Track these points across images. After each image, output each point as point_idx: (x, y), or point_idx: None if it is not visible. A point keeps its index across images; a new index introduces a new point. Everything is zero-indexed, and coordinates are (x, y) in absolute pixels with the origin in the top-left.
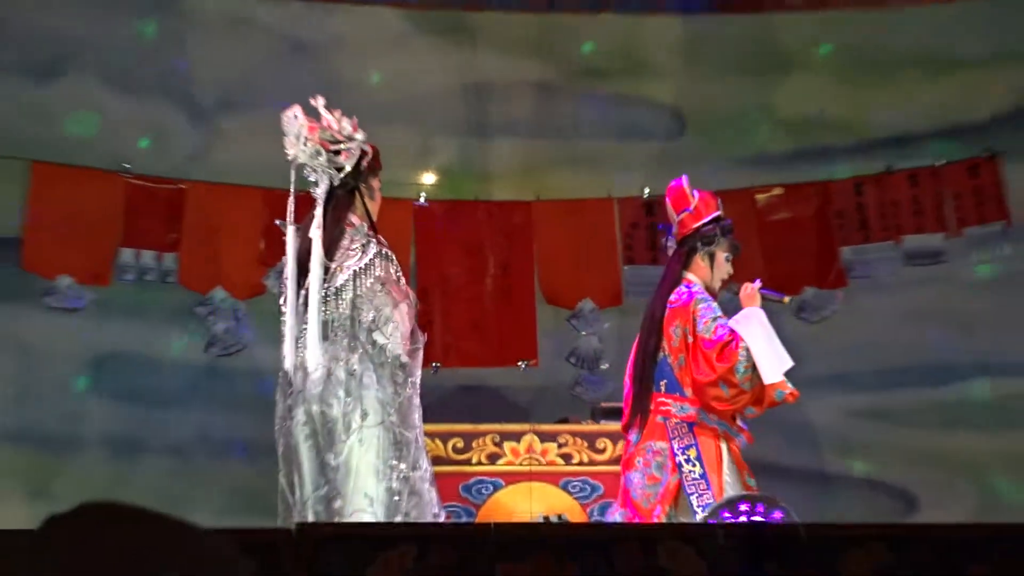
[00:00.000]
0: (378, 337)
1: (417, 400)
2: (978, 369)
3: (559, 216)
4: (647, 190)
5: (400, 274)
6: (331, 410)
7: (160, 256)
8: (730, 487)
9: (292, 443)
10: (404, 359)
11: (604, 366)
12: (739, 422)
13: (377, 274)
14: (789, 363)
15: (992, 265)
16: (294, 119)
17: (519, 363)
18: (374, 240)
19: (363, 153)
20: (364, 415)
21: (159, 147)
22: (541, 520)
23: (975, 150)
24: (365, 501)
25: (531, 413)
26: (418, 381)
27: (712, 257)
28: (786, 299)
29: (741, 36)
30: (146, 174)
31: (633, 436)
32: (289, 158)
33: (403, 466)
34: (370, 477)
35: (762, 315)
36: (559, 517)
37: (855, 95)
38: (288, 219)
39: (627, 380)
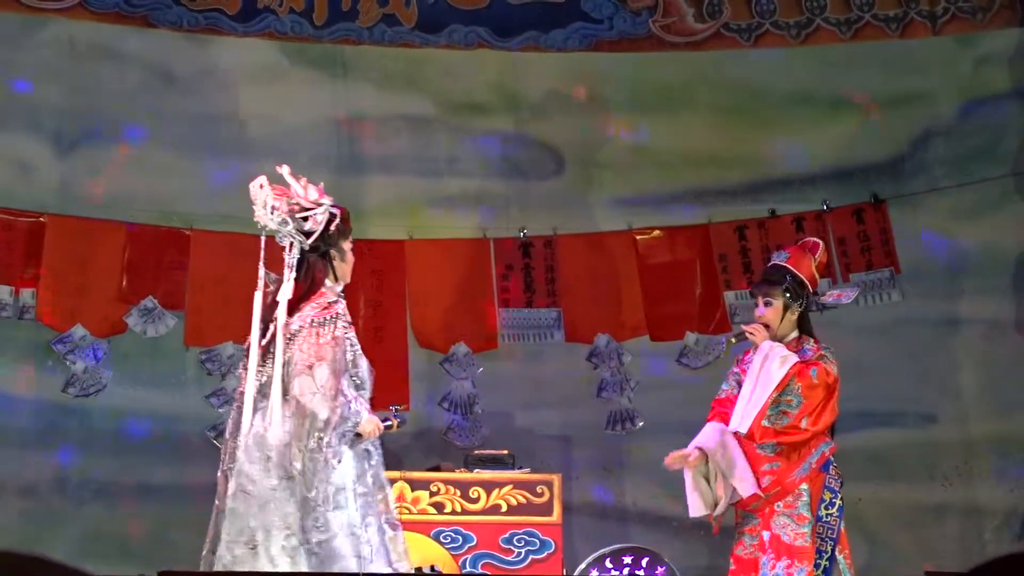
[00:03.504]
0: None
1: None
2: (862, 417)
3: (433, 255)
4: (524, 231)
5: (355, 345)
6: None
7: (17, 292)
8: None
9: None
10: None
11: (478, 411)
12: None
13: (331, 329)
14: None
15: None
16: (259, 188)
17: (390, 408)
18: (343, 302)
19: (331, 217)
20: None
21: (20, 179)
22: (412, 572)
23: (861, 195)
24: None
25: (403, 460)
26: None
27: None
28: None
29: (621, 74)
30: (5, 206)
31: None
32: (259, 226)
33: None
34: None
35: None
36: (431, 568)
37: (738, 136)
38: (259, 282)
39: None
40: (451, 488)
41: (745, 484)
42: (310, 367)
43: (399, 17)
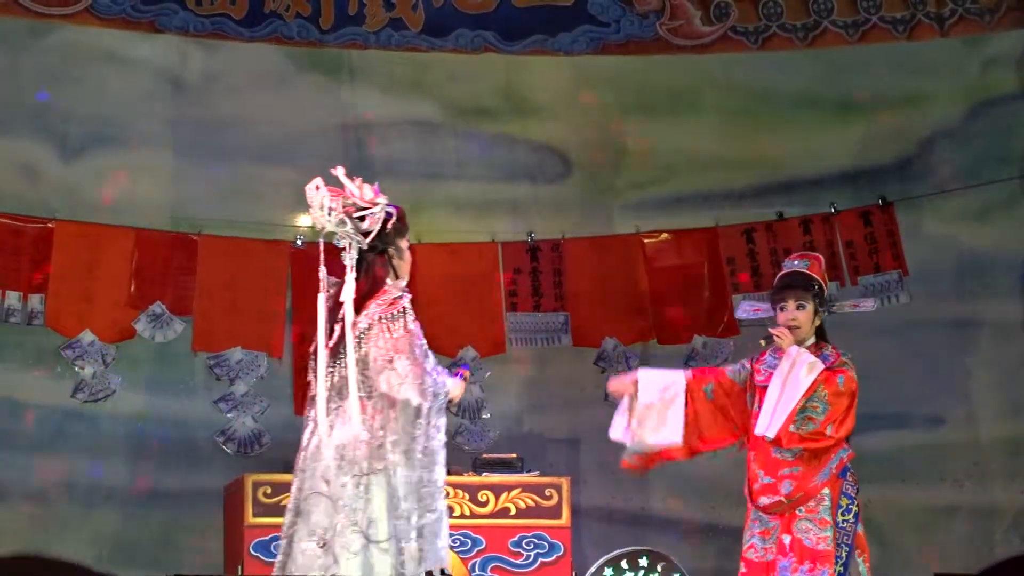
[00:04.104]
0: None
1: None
2: (870, 420)
3: (441, 259)
4: (532, 234)
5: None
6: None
7: (26, 297)
8: None
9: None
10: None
11: (486, 416)
12: None
13: (402, 323)
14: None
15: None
16: (315, 190)
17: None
18: (407, 296)
19: (388, 216)
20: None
21: (28, 185)
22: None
23: (869, 197)
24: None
25: None
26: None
27: None
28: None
29: (628, 77)
30: (13, 212)
31: None
32: (317, 229)
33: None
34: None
35: None
36: (441, 572)
37: (745, 138)
38: (321, 287)
39: None
40: (460, 492)
41: (653, 434)
42: (390, 361)
43: (405, 21)
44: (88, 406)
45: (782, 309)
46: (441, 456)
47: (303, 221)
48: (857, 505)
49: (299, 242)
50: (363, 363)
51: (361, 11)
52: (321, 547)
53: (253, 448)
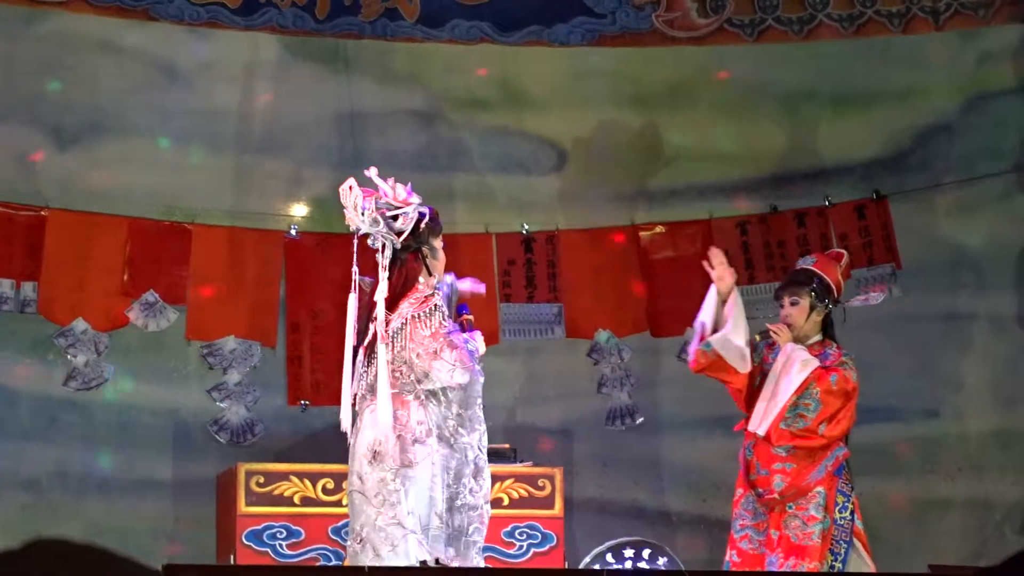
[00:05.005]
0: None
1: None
2: (863, 413)
3: None
4: (526, 226)
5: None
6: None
7: (18, 285)
8: None
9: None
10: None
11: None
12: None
13: (436, 320)
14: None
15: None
16: (349, 191)
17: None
18: (438, 294)
19: (420, 216)
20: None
21: (21, 173)
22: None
23: (863, 190)
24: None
25: None
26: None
27: None
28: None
29: (624, 69)
30: (6, 200)
31: None
32: (351, 229)
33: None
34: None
35: None
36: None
37: (740, 131)
38: (353, 285)
39: None
40: None
41: (739, 338)
42: (435, 352)
43: (401, 11)
44: (81, 394)
45: (780, 306)
46: (481, 425)
47: (297, 211)
48: (852, 502)
49: (293, 232)
50: (399, 361)
51: (357, 1)
52: (359, 543)
53: (246, 438)
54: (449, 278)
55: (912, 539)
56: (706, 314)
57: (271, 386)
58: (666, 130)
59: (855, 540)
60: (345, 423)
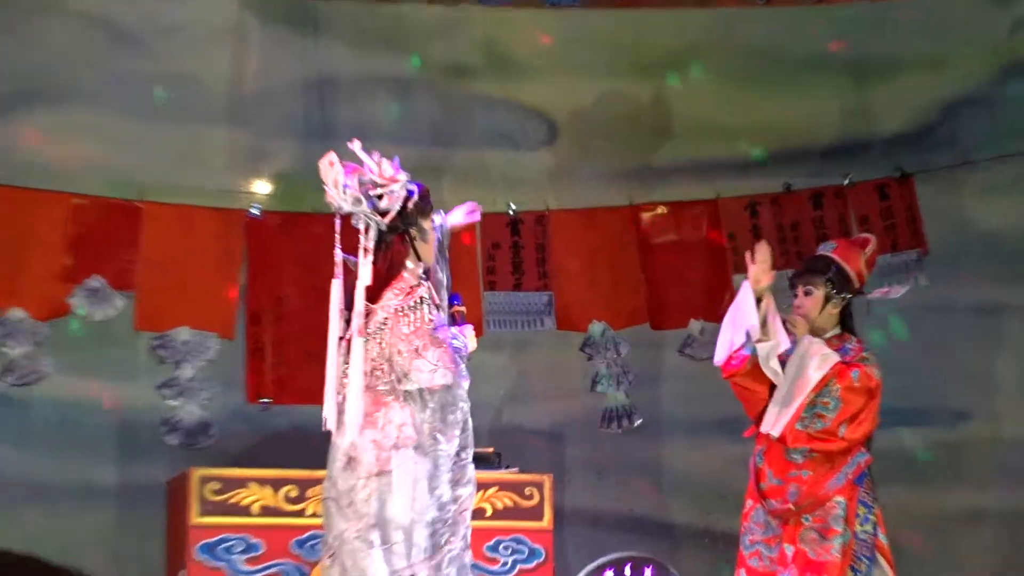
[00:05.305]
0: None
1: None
2: (885, 415)
3: None
4: (513, 206)
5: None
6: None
7: None
8: None
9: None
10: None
11: None
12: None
13: (421, 313)
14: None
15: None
16: (329, 166)
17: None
18: (425, 284)
19: (408, 194)
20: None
21: None
22: None
23: (885, 169)
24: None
25: None
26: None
27: None
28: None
29: (621, 34)
30: None
31: None
32: (333, 208)
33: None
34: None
35: None
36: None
37: (750, 103)
38: (336, 270)
39: None
40: None
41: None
42: (416, 350)
43: None
44: (16, 390)
45: (793, 295)
46: (465, 427)
47: (259, 187)
48: (875, 514)
49: (255, 211)
50: (382, 358)
51: None
52: (329, 558)
53: (199, 439)
54: (438, 218)
55: (939, 554)
56: (752, 315)
57: (229, 382)
58: (668, 101)
59: (878, 556)
60: (330, 421)
